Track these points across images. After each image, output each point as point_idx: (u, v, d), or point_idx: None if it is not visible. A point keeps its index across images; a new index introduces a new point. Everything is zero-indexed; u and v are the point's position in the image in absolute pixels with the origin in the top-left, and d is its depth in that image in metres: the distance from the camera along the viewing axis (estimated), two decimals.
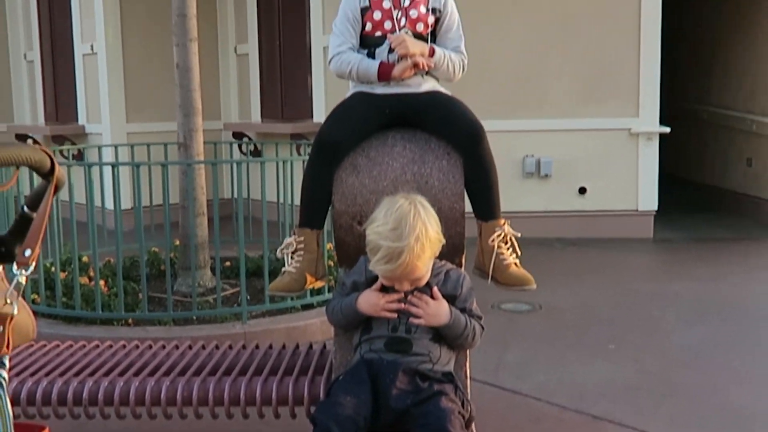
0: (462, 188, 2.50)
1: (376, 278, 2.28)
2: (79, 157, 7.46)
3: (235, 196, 4.96)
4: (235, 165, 5.26)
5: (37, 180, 1.45)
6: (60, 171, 1.41)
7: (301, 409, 2.72)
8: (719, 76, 9.65)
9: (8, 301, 1.32)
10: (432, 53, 2.55)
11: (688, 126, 9.91)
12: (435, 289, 2.26)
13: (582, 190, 7.70)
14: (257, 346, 3.11)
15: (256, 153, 8.47)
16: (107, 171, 5.05)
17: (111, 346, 3.11)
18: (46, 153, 1.38)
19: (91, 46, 8.60)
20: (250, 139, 8.73)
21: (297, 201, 3.46)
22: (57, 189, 1.42)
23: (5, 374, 1.36)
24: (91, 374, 2.79)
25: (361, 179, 2.50)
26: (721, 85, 9.57)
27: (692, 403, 3.73)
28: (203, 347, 3.10)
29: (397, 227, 2.13)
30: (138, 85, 8.57)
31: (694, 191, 10.06)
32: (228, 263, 5.58)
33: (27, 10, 9.73)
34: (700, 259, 6.90)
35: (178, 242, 5.37)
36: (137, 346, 3.13)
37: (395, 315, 2.24)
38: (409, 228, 2.12)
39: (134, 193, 4.86)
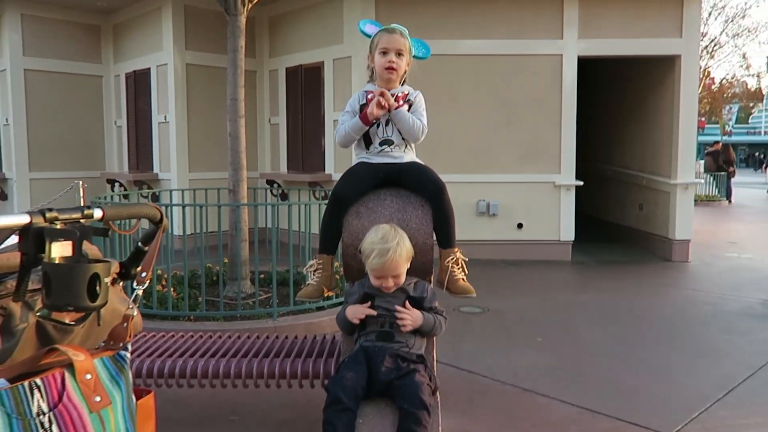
0: (431, 229, 2.54)
1: (365, 295, 2.39)
2: (154, 197, 7.58)
3: (269, 226, 5.04)
4: (270, 207, 5.36)
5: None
6: (165, 221, 1.49)
7: (318, 382, 2.75)
8: (619, 144, 9.80)
9: (130, 306, 1.45)
10: (398, 107, 2.58)
11: (596, 180, 10.07)
12: (408, 304, 2.35)
13: (519, 225, 7.81)
14: (286, 337, 3.12)
15: (283, 195, 8.57)
16: (177, 207, 5.16)
17: (183, 336, 3.14)
18: (158, 210, 1.47)
19: (165, 117, 8.76)
20: (279, 185, 8.84)
21: (314, 230, 3.57)
22: (163, 232, 1.54)
23: (128, 354, 1.47)
24: (170, 356, 2.83)
25: (362, 222, 2.54)
26: (621, 151, 9.73)
27: (595, 382, 3.81)
28: (248, 337, 3.12)
29: (384, 237, 2.31)
30: (198, 144, 8.72)
31: (601, 227, 10.17)
32: (263, 275, 5.61)
33: (118, 90, 9.88)
34: (605, 276, 7.00)
35: (227, 260, 5.42)
36: (201, 336, 3.14)
37: (364, 317, 2.34)
38: (391, 237, 2.31)
39: (194, 224, 4.95)
